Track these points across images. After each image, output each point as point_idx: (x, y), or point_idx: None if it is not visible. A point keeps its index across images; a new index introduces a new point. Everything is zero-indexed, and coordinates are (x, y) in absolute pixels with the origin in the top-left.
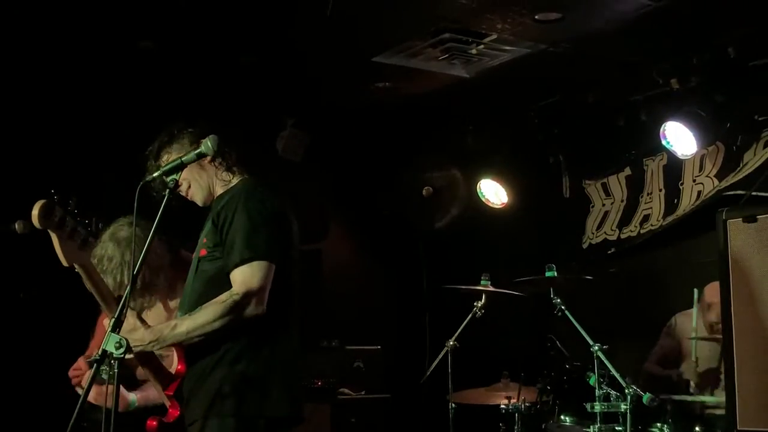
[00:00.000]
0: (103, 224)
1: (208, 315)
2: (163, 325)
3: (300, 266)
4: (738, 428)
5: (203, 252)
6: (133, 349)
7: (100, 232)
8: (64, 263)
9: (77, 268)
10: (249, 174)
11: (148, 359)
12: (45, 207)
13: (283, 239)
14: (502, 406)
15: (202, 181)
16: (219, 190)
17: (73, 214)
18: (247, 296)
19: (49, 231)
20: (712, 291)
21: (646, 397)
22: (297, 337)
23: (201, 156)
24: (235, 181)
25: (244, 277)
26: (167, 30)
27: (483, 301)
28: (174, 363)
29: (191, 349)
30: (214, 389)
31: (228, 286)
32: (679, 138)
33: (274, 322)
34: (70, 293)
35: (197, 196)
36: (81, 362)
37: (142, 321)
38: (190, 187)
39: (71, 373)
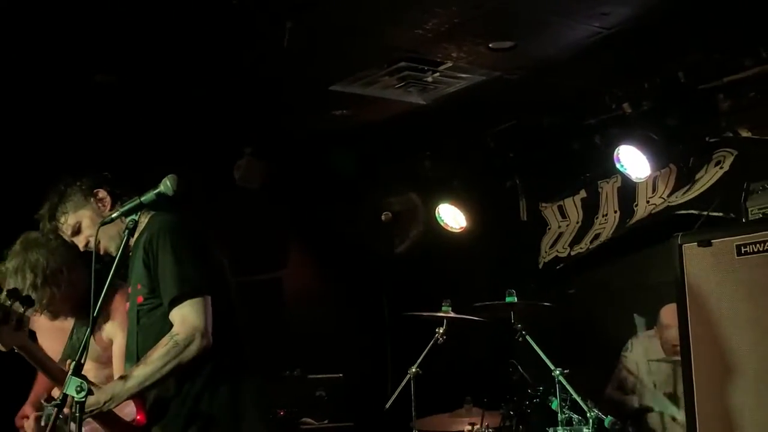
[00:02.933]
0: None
1: (156, 362)
2: (113, 383)
3: (235, 288)
4: None
5: (140, 299)
6: (90, 412)
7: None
8: (2, 349)
9: (17, 350)
10: (155, 209)
11: (103, 414)
12: None
13: (211, 268)
14: (466, 431)
15: (111, 231)
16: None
17: (3, 296)
18: (189, 334)
19: None
20: (668, 313)
21: (608, 421)
22: (248, 358)
23: (161, 196)
24: (144, 219)
25: (183, 315)
26: (123, 62)
27: (444, 327)
28: (132, 413)
29: (153, 394)
30: (186, 429)
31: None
32: (633, 161)
33: (226, 351)
34: None
35: (111, 247)
36: (27, 408)
37: (91, 382)
38: (100, 242)
39: (18, 422)
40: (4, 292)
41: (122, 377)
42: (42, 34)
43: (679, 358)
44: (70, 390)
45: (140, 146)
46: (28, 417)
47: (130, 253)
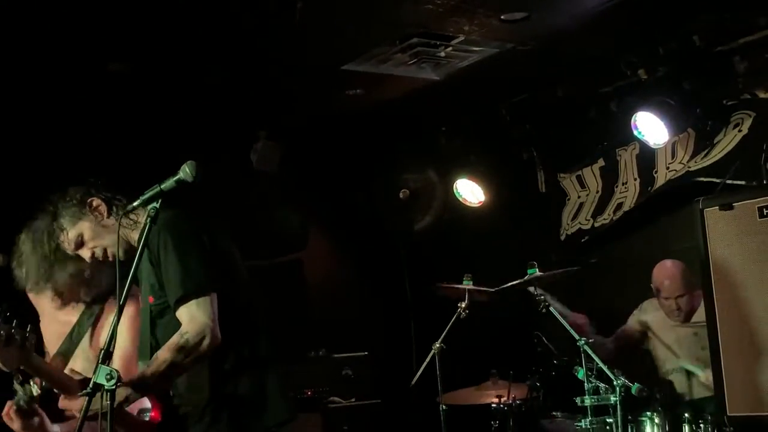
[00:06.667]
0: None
1: (166, 361)
2: (123, 387)
3: (247, 277)
4: (728, 414)
5: (151, 299)
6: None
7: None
8: (9, 370)
9: (23, 368)
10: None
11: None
12: None
13: (217, 263)
14: (493, 404)
15: (109, 237)
16: (134, 236)
17: (6, 318)
18: (198, 332)
19: None
20: (659, 272)
21: (635, 388)
22: (268, 343)
23: (180, 182)
24: (142, 218)
25: (190, 314)
26: (134, 50)
27: (467, 301)
28: (147, 409)
29: (177, 392)
30: (209, 421)
31: None
32: (651, 127)
33: (244, 342)
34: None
35: (116, 251)
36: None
37: None
38: (106, 250)
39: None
40: (7, 314)
41: (133, 381)
42: (54, 24)
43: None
44: (100, 378)
45: (156, 134)
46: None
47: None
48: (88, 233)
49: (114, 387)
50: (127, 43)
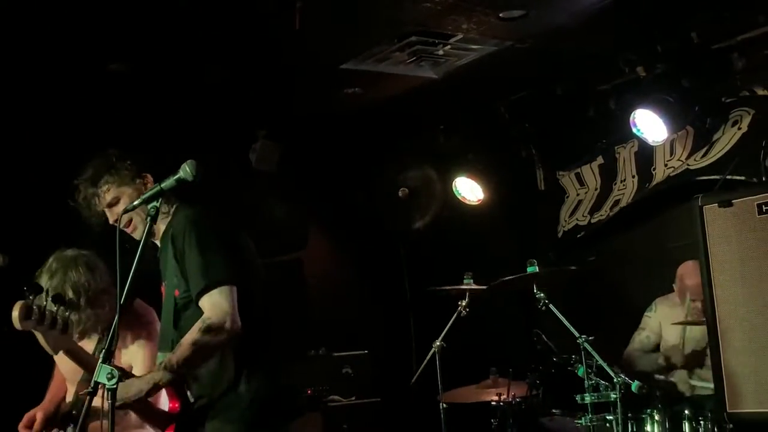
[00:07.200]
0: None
1: (190, 347)
2: (153, 372)
3: (262, 278)
4: (728, 411)
5: (177, 292)
6: (133, 403)
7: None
8: (52, 353)
9: (64, 353)
10: (182, 200)
11: (140, 403)
12: (23, 310)
13: (237, 260)
14: (493, 402)
15: (143, 214)
16: (161, 226)
17: (54, 298)
18: (220, 318)
19: (32, 330)
20: (686, 267)
21: (635, 385)
22: (276, 343)
23: (180, 181)
24: (170, 209)
25: (212, 302)
26: (135, 50)
27: (467, 299)
28: (164, 401)
29: (194, 388)
30: (226, 415)
31: None
32: (649, 125)
33: (254, 339)
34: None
35: (138, 231)
36: (37, 413)
37: (130, 373)
38: (131, 221)
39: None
40: (50, 298)
41: (161, 365)
42: (54, 24)
43: (701, 319)
44: (101, 378)
45: (155, 133)
46: (35, 418)
47: (159, 245)
48: (125, 199)
49: (115, 386)
50: (127, 43)
